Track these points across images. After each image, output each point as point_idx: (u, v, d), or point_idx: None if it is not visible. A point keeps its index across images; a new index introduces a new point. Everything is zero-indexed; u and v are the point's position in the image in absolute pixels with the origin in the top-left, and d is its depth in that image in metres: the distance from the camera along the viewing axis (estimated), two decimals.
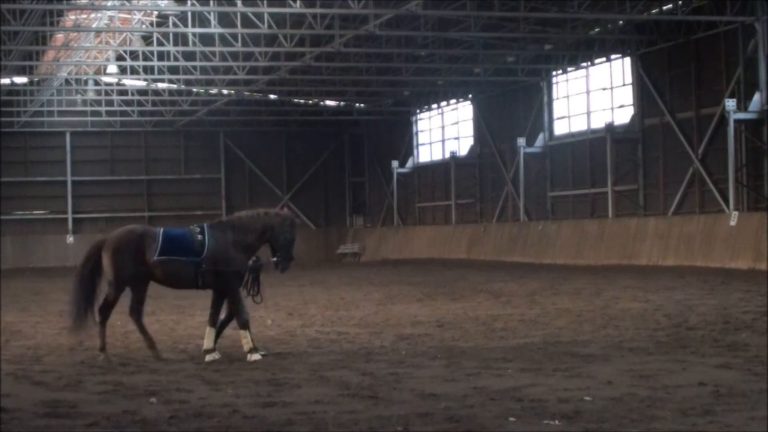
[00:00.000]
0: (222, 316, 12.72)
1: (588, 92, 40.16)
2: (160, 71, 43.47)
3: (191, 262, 12.26)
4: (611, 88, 38.62)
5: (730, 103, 30.58)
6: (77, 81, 52.31)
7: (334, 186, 59.80)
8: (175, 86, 49.88)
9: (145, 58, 41.61)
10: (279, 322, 17.46)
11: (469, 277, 29.45)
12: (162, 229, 12.54)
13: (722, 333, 13.70)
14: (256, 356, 12.16)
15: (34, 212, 55.19)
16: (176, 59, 40.22)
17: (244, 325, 12.36)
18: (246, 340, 12.31)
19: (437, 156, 52.57)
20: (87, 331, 12.48)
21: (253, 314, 18.95)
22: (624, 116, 37.99)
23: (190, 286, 12.65)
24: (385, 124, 56.88)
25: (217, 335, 12.63)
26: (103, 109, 54.27)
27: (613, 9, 33.29)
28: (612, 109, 38.59)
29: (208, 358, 12.22)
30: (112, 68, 50.37)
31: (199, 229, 12.44)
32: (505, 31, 37.15)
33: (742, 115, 30.94)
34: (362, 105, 55.41)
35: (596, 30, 37.48)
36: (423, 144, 54.55)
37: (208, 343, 12.41)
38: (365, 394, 9.45)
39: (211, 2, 33.19)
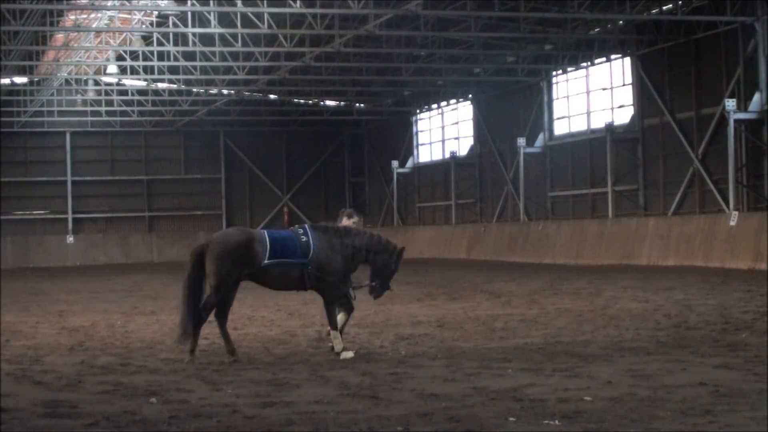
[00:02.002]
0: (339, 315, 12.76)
1: (588, 92, 40.17)
2: (160, 71, 43.48)
3: (298, 264, 12.21)
4: (611, 88, 38.63)
5: (730, 103, 30.58)
6: (77, 81, 52.31)
7: (334, 186, 59.81)
8: (175, 86, 49.87)
9: (145, 58, 41.62)
10: (279, 322, 17.46)
11: (469, 277, 29.44)
12: (266, 232, 12.45)
13: (722, 333, 13.70)
14: (348, 354, 12.16)
15: (34, 212, 55.20)
16: (176, 59, 40.22)
17: (336, 326, 12.42)
18: (337, 341, 12.34)
19: (437, 156, 52.58)
20: (197, 338, 12.27)
21: (254, 314, 18.95)
22: (624, 116, 38.01)
23: (296, 288, 12.63)
24: (385, 124, 56.90)
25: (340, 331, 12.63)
26: (103, 109, 54.28)
27: (613, 9, 33.29)
28: (612, 109, 38.60)
29: (344, 355, 12.11)
30: (112, 68, 50.39)
31: (302, 231, 12.40)
32: (505, 31, 37.15)
33: (742, 115, 30.94)
34: (362, 105, 55.42)
35: (596, 30, 37.48)
36: (423, 144, 54.57)
37: (338, 344, 12.30)
38: (365, 394, 9.45)
39: (211, 2, 33.19)
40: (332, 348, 12.43)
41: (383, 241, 12.73)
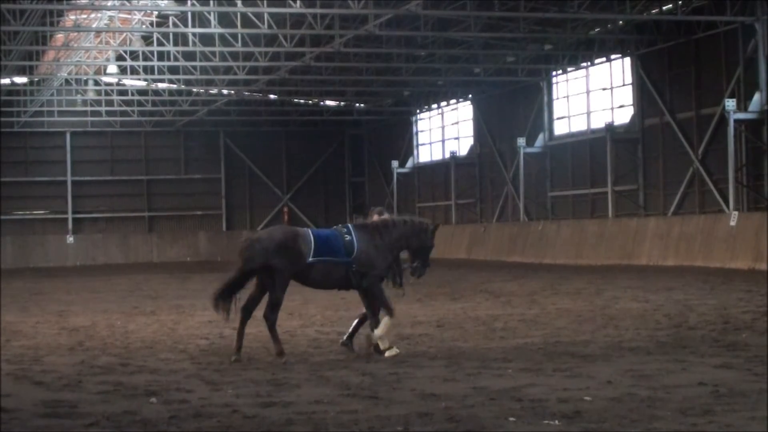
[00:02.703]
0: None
1: (588, 92, 40.17)
2: (160, 71, 43.48)
3: (343, 263, 12.25)
4: (611, 88, 38.63)
5: (730, 103, 30.57)
6: (77, 81, 52.31)
7: (334, 186, 59.80)
8: (175, 86, 49.87)
9: (145, 58, 41.62)
10: (279, 322, 17.42)
11: (469, 277, 29.44)
12: (311, 230, 12.52)
13: (722, 333, 13.70)
14: (393, 351, 12.18)
15: (34, 212, 55.21)
16: (176, 59, 40.22)
17: (392, 313, 12.41)
18: (384, 337, 12.36)
19: (437, 156, 52.59)
20: (224, 311, 12.31)
21: (254, 314, 18.95)
22: (624, 116, 38.00)
23: (340, 287, 12.65)
24: (385, 124, 56.91)
25: (354, 331, 12.67)
26: (103, 109, 54.27)
27: (613, 9, 33.28)
28: (612, 109, 38.61)
29: (389, 353, 12.13)
30: (112, 68, 50.38)
31: (345, 230, 12.46)
32: (505, 31, 37.15)
33: (742, 115, 30.94)
34: (362, 105, 55.41)
35: (596, 30, 37.48)
36: (423, 144, 54.57)
37: (384, 343, 12.30)
38: (365, 394, 9.45)
39: (211, 2, 33.18)
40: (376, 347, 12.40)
41: (416, 223, 12.87)
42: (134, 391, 9.94)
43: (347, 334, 12.81)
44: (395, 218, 12.97)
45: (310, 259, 12.11)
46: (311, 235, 12.25)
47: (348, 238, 12.31)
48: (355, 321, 12.89)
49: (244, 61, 39.60)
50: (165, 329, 16.46)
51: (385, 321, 12.30)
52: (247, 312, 12.37)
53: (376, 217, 13.10)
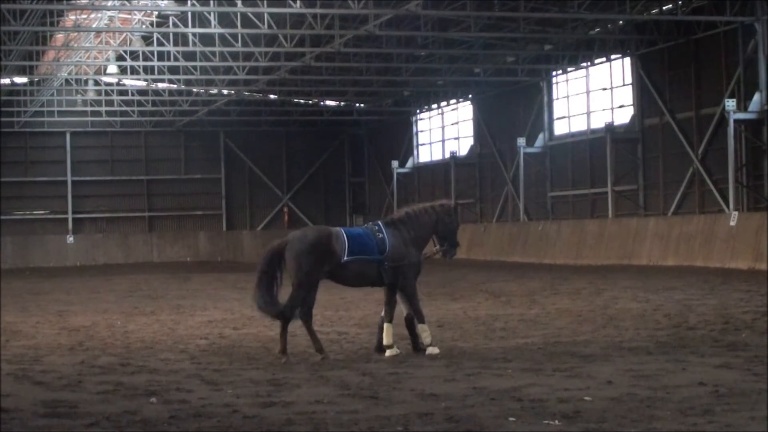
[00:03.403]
0: (405, 311, 12.83)
1: (588, 92, 40.17)
2: (160, 71, 43.48)
3: (375, 260, 12.34)
4: (611, 88, 38.62)
5: (730, 103, 30.57)
6: (77, 81, 52.31)
7: (334, 186, 59.80)
8: (175, 86, 49.87)
9: (145, 58, 41.62)
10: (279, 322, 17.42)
11: (469, 277, 29.44)
12: (343, 229, 12.57)
13: (722, 333, 13.70)
14: (434, 350, 12.24)
15: (34, 212, 55.19)
16: (176, 59, 40.22)
17: (423, 319, 12.52)
18: (426, 334, 12.43)
19: (437, 156, 52.58)
20: (274, 310, 12.29)
21: (254, 314, 18.94)
22: (624, 116, 38.00)
23: (373, 284, 12.72)
24: (385, 124, 56.90)
25: (411, 333, 12.71)
26: (103, 109, 54.27)
27: (613, 9, 33.28)
28: (612, 109, 38.60)
29: (389, 353, 12.20)
30: (112, 68, 50.37)
31: (376, 228, 12.57)
32: (505, 31, 37.15)
33: (742, 115, 30.93)
34: (362, 105, 55.42)
35: (596, 30, 37.48)
36: (423, 144, 54.57)
37: (387, 339, 12.37)
38: (365, 394, 9.45)
39: (211, 2, 33.18)
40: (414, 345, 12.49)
41: (438, 208, 12.99)
42: (134, 391, 9.94)
43: (378, 341, 12.75)
44: (417, 208, 13.04)
45: (345, 258, 12.19)
46: (344, 235, 12.34)
47: (380, 235, 12.44)
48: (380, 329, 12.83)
49: (244, 61, 39.60)
50: (165, 329, 16.47)
51: (420, 327, 12.45)
52: (307, 316, 12.40)
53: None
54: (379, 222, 12.75)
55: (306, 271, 12.10)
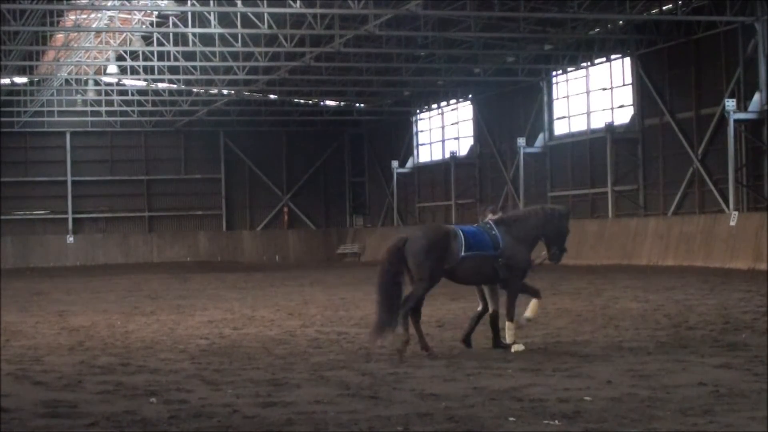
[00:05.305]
0: (479, 308, 12.98)
1: (588, 92, 40.17)
2: (160, 71, 43.48)
3: (491, 256, 12.50)
4: (611, 88, 38.63)
5: (730, 103, 30.58)
6: (77, 81, 52.32)
7: (334, 186, 59.79)
8: (175, 86, 49.88)
9: (145, 58, 41.62)
10: (279, 322, 17.45)
11: None
12: (458, 227, 12.75)
13: (722, 333, 13.70)
14: (519, 347, 12.33)
15: (34, 212, 55.20)
16: (176, 59, 40.22)
17: (513, 317, 12.62)
18: (511, 332, 12.53)
19: (437, 156, 52.57)
20: (389, 335, 12.26)
21: (254, 314, 18.94)
22: (624, 116, 38.00)
23: (488, 281, 12.82)
24: (385, 124, 56.89)
25: (494, 330, 12.82)
26: (103, 109, 54.28)
27: (613, 9, 33.29)
28: (612, 109, 38.60)
29: (515, 348, 12.31)
30: (112, 68, 50.36)
31: (488, 225, 12.73)
32: (505, 31, 37.15)
33: (742, 115, 30.94)
34: (362, 105, 55.42)
35: (596, 30, 37.48)
36: (423, 144, 54.56)
37: (510, 336, 12.51)
38: (365, 394, 9.45)
39: (211, 2, 33.19)
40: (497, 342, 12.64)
41: (548, 211, 13.15)
42: (134, 391, 9.93)
43: (465, 332, 12.93)
44: (527, 209, 13.32)
45: (462, 254, 12.34)
46: (461, 232, 12.50)
47: (493, 232, 12.63)
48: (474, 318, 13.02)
49: (244, 61, 39.60)
50: (165, 329, 16.46)
51: (508, 324, 12.55)
52: (416, 312, 12.43)
53: (490, 216, 13.22)
54: (490, 221, 12.91)
55: (429, 268, 12.24)
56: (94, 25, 41.05)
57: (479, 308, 13.02)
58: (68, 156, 55.53)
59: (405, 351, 12.00)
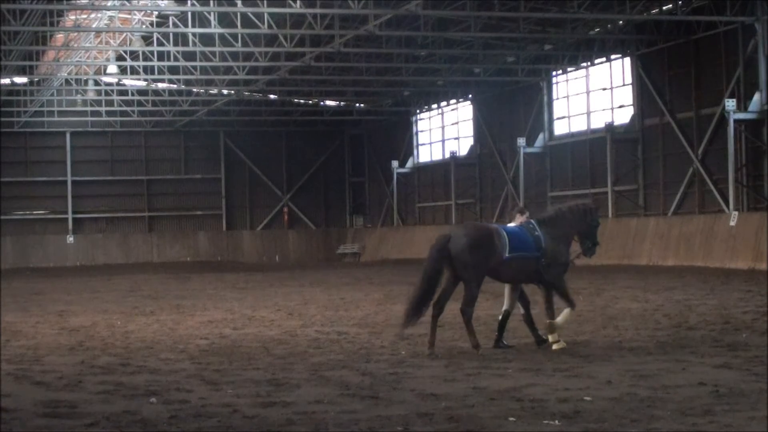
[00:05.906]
0: (505, 306, 13.12)
1: (588, 92, 40.16)
2: (160, 71, 43.47)
3: (534, 257, 12.61)
4: (611, 88, 38.62)
5: (730, 103, 30.57)
6: (77, 81, 52.28)
7: (334, 186, 59.78)
8: (175, 86, 49.87)
9: (145, 58, 41.60)
10: (279, 322, 17.46)
11: None
12: (502, 227, 12.86)
13: (722, 333, 13.71)
14: (561, 345, 12.47)
15: (34, 212, 55.17)
16: (176, 59, 40.20)
17: (554, 315, 12.77)
18: (555, 332, 12.68)
19: (437, 156, 52.57)
20: (415, 324, 12.50)
21: (254, 314, 18.92)
22: (624, 116, 37.99)
23: (532, 281, 12.99)
24: (385, 124, 56.89)
25: (530, 326, 13.07)
26: (103, 109, 54.26)
27: (613, 9, 33.27)
28: (612, 109, 38.59)
29: (556, 347, 12.49)
30: (112, 68, 50.32)
31: (531, 225, 12.83)
32: (505, 31, 37.14)
33: (742, 115, 30.93)
34: (362, 105, 55.40)
35: (596, 30, 37.47)
36: (423, 144, 54.54)
37: (553, 336, 12.67)
38: (365, 394, 9.45)
39: (211, 2, 33.17)
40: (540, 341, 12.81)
41: (579, 208, 13.28)
42: (134, 391, 9.94)
43: (498, 335, 13.08)
44: (565, 207, 13.36)
45: (506, 255, 12.43)
46: (504, 232, 12.57)
47: (536, 233, 12.73)
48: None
49: (244, 61, 39.59)
50: (165, 329, 16.47)
51: (566, 312, 12.72)
52: (439, 307, 12.55)
53: (518, 217, 13.33)
54: (532, 220, 13.00)
55: (474, 266, 12.32)
56: (94, 25, 41.03)
57: (504, 307, 13.13)
58: (68, 156, 55.51)
59: (480, 347, 12.27)
